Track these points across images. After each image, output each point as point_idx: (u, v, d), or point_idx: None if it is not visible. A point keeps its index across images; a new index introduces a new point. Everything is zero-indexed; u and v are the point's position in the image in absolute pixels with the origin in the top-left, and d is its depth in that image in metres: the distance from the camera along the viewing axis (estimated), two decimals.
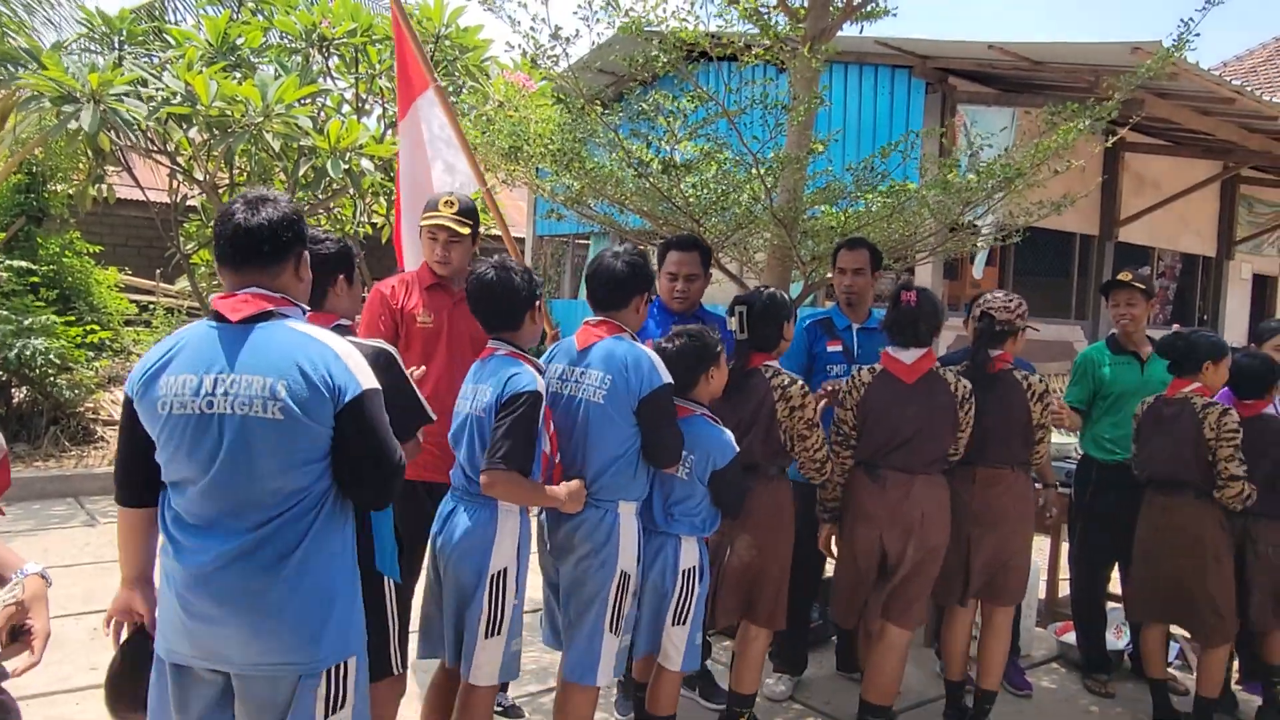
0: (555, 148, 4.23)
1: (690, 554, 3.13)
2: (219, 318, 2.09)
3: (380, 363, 2.39)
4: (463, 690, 2.92)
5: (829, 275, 4.29)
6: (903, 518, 3.44)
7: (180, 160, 7.87)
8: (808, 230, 4.47)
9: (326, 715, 2.08)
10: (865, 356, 3.94)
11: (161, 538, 2.14)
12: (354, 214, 9.05)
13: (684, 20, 4.16)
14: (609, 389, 2.91)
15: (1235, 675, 4.29)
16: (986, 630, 3.79)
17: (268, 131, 6.70)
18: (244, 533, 2.03)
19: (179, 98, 6.59)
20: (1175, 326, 6.54)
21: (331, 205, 8.78)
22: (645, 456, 2.97)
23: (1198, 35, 4.66)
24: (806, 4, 4.47)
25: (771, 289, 3.54)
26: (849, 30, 5.38)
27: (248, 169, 8.13)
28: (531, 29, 4.11)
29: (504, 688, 3.79)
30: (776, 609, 3.41)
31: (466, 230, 3.47)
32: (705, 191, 4.28)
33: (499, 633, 2.82)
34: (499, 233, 4.22)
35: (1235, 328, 13.03)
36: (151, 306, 11.62)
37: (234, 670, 2.06)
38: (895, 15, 5.06)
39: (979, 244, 5.80)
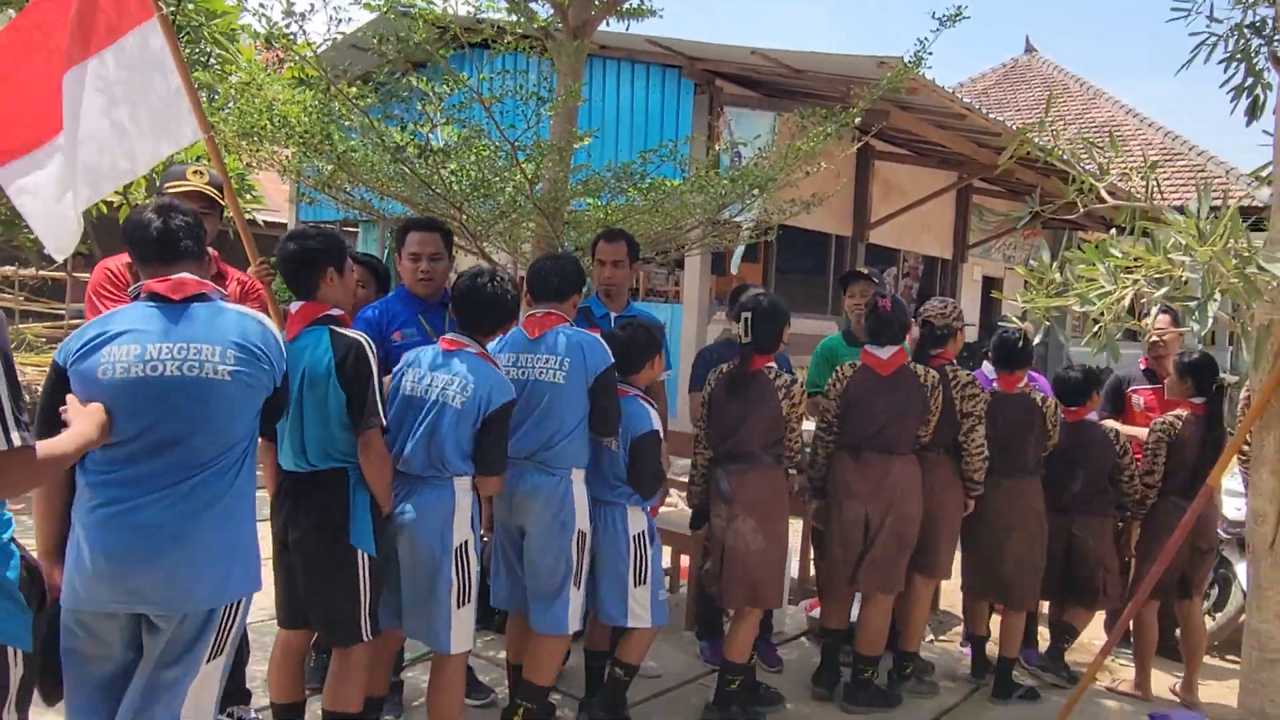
0: (302, 129, 3.98)
1: (638, 521, 3.51)
2: (155, 297, 2.38)
3: (341, 353, 2.75)
4: (439, 661, 3.11)
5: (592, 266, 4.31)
6: (884, 492, 3.91)
7: None
8: (571, 221, 4.48)
9: (216, 650, 2.39)
10: None
11: (85, 495, 2.32)
12: None
13: (432, 3, 4.02)
14: (568, 370, 3.25)
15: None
16: (909, 597, 4.17)
17: None
18: (177, 483, 2.29)
19: None
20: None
21: None
22: (591, 426, 3.33)
23: (931, 54, 5.07)
24: None
25: (772, 296, 3.89)
26: (619, 27, 5.43)
27: None
28: (261, 4, 3.82)
29: (246, 701, 3.55)
30: (778, 588, 3.81)
31: (219, 201, 3.23)
32: (465, 178, 4.18)
33: (469, 600, 3.07)
34: (244, 211, 3.90)
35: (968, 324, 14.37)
36: None
37: (154, 610, 2.31)
38: (661, 16, 5.17)
39: (741, 239, 6.04)
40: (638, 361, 3.56)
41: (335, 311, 2.89)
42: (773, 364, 3.80)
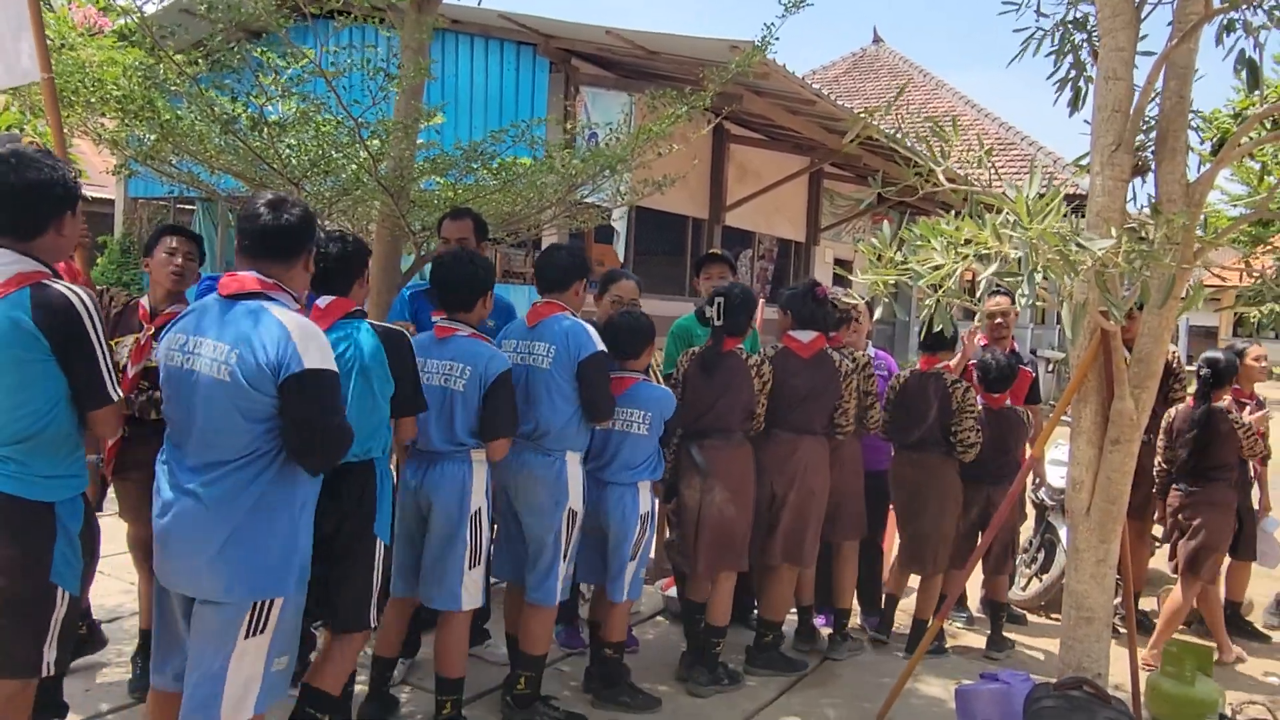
0: (120, 93, 3.68)
1: (645, 500, 3.74)
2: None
3: (391, 343, 2.92)
4: (447, 617, 3.33)
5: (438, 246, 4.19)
6: (789, 467, 4.14)
7: None
8: (418, 200, 4.33)
9: (253, 630, 2.42)
10: None
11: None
12: None
13: None
14: (554, 357, 3.47)
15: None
16: (836, 559, 4.52)
17: None
18: (199, 475, 2.38)
19: None
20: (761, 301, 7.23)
21: None
22: (583, 413, 3.50)
23: (778, 38, 5.15)
24: None
25: (745, 284, 4.07)
26: (470, 0, 5.27)
27: None
28: None
29: (62, 715, 3.31)
30: (744, 553, 4.05)
31: None
32: (304, 154, 3.97)
33: (480, 563, 3.33)
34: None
35: None
36: None
37: (183, 592, 2.47)
38: None
39: (608, 219, 6.02)
40: (639, 346, 3.75)
41: (361, 308, 3.08)
42: (742, 346, 4.07)
